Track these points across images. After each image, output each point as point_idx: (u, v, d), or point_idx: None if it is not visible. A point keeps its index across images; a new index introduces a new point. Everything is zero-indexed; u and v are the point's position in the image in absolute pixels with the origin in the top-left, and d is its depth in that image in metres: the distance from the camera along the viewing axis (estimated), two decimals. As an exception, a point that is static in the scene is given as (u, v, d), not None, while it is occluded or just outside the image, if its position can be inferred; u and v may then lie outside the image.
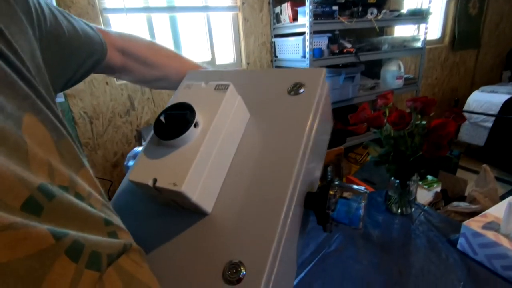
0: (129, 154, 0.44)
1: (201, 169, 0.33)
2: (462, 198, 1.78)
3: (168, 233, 0.36)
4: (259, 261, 0.31)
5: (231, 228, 0.34)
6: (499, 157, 2.49)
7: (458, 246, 0.77)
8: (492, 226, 0.72)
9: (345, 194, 0.37)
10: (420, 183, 2.06)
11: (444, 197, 1.80)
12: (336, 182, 0.38)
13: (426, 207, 0.95)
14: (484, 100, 2.68)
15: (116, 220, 0.29)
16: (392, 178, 0.92)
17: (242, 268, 0.31)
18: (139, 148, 0.49)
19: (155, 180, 0.32)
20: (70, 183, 0.24)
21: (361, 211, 0.36)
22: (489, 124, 2.55)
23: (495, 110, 2.52)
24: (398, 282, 0.68)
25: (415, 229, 0.86)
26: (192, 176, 0.32)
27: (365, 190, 0.38)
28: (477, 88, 2.95)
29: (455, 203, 1.53)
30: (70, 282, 0.20)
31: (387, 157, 0.87)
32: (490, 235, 0.69)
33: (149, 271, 0.31)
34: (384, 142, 0.85)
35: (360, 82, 2.06)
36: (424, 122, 0.83)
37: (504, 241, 0.67)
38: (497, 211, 0.78)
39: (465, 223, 0.74)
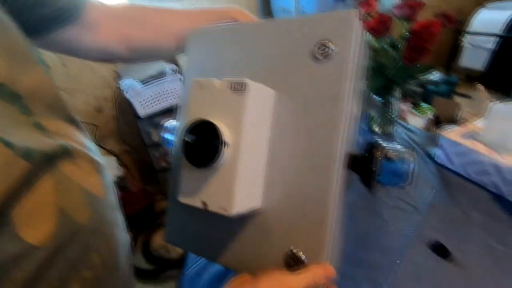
0: (166, 125, 0.42)
1: (244, 184, 0.34)
2: (455, 122, 1.75)
3: (229, 232, 0.39)
4: (316, 245, 0.35)
5: (284, 216, 0.36)
6: (499, 82, 2.39)
7: (436, 158, 0.76)
8: (471, 134, 0.70)
9: (390, 155, 0.36)
10: (414, 110, 2.02)
11: (437, 123, 1.77)
12: (380, 142, 0.37)
13: (408, 125, 0.92)
14: (488, 19, 2.47)
15: (67, 130, 0.33)
16: (374, 96, 0.87)
17: (301, 253, 0.35)
18: (174, 122, 0.47)
19: (204, 203, 0.33)
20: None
21: (407, 171, 0.35)
22: (491, 46, 2.39)
23: (498, 28, 2.34)
24: (371, 199, 0.68)
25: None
26: (237, 197, 0.33)
27: (411, 149, 0.38)
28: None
29: (445, 127, 1.50)
30: (3, 163, 0.23)
31: (367, 72, 0.81)
32: (468, 143, 0.67)
33: (94, 178, 0.33)
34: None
35: (353, 3, 1.87)
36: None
37: (481, 148, 0.65)
38: (479, 122, 0.75)
39: (443, 133, 0.72)
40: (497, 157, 0.61)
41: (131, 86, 1.35)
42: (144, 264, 1.45)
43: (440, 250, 0.52)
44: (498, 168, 0.61)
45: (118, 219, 0.38)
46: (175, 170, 0.44)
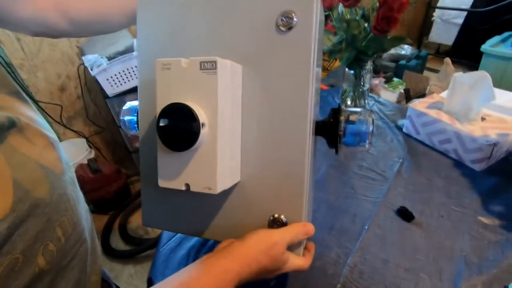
0: (124, 108, 0.39)
1: (224, 162, 0.34)
2: (424, 95, 1.83)
3: (212, 207, 0.41)
4: (296, 207, 0.37)
5: (262, 185, 0.38)
6: (466, 55, 2.48)
7: (404, 129, 0.78)
8: (436, 105, 0.72)
9: (352, 118, 0.39)
10: (386, 85, 2.07)
11: (407, 96, 1.83)
12: (341, 107, 0.40)
13: (379, 98, 0.94)
14: (459, -6, 2.52)
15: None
16: (347, 69, 0.88)
17: (282, 216, 0.38)
18: (133, 103, 0.43)
19: (187, 185, 0.34)
20: None
21: (368, 131, 0.38)
22: (461, 21, 2.46)
23: (467, 4, 2.40)
24: (342, 165, 0.70)
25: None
26: (220, 175, 0.33)
27: (369, 109, 0.41)
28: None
29: (414, 100, 1.56)
30: None
31: (340, 46, 0.81)
32: (433, 113, 0.70)
33: (49, 153, 0.32)
34: (337, 26, 0.78)
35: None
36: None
37: (445, 117, 0.68)
38: (444, 94, 0.78)
39: (411, 104, 0.74)
40: (458, 126, 0.64)
41: (96, 62, 1.27)
42: (122, 246, 1.44)
43: (405, 214, 0.55)
44: (459, 136, 0.64)
45: (79, 195, 0.38)
46: (144, 154, 0.43)
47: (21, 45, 1.38)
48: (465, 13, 2.40)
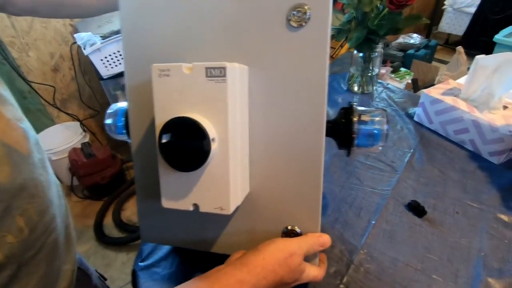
0: (109, 111, 0.34)
1: (236, 178, 0.30)
2: (432, 86, 1.76)
3: (219, 220, 0.37)
4: (312, 217, 0.34)
5: (273, 194, 0.35)
6: (476, 47, 2.39)
7: (415, 118, 0.73)
8: (452, 92, 0.66)
9: (363, 118, 0.36)
10: (393, 75, 2.00)
11: (415, 86, 1.76)
12: (354, 107, 0.37)
13: (389, 84, 0.88)
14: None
15: None
16: (355, 52, 0.81)
17: (296, 227, 0.35)
18: (120, 104, 0.38)
19: (196, 205, 0.30)
20: None
21: (383, 131, 0.36)
22: (473, 10, 2.36)
23: (482, -9, 2.29)
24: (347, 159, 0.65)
25: (375, 106, 0.81)
26: (233, 193, 0.30)
27: (382, 108, 0.37)
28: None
29: (423, 90, 1.49)
30: None
31: (349, 25, 0.74)
32: (449, 100, 0.64)
33: (14, 131, 0.28)
34: (346, 3, 0.71)
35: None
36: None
37: (462, 105, 0.62)
38: (462, 80, 0.72)
39: (425, 91, 0.68)
40: (477, 114, 0.59)
41: (89, 41, 1.20)
42: (116, 233, 1.40)
43: (416, 209, 0.50)
44: (477, 126, 0.58)
45: (50, 180, 0.33)
46: (139, 166, 0.38)
47: (12, 22, 1.31)
48: (478, 1, 2.30)
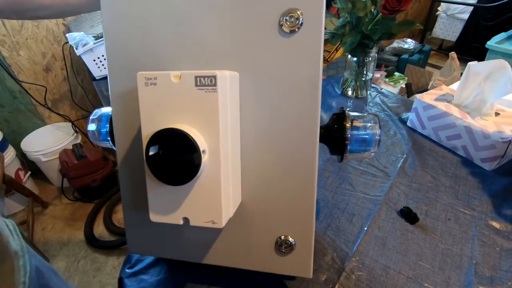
0: (92, 117, 0.33)
1: (227, 191, 0.29)
2: (426, 91, 1.77)
3: (210, 230, 0.36)
4: (305, 227, 0.33)
5: (265, 204, 0.34)
6: (469, 53, 2.43)
7: (408, 123, 0.73)
8: (445, 97, 0.67)
9: (356, 123, 0.36)
10: (387, 79, 2.01)
11: (409, 91, 1.78)
12: (346, 112, 0.37)
13: (382, 89, 0.88)
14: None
15: None
16: (349, 56, 0.81)
17: (289, 237, 0.34)
18: (104, 109, 0.36)
19: (186, 219, 0.29)
20: None
21: (375, 137, 0.36)
22: (466, 16, 2.39)
23: (474, -1, 2.33)
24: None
25: (368, 110, 0.81)
26: (225, 206, 0.29)
27: (374, 113, 0.37)
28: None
29: (416, 95, 1.50)
30: None
31: (344, 29, 0.74)
32: (442, 105, 0.64)
33: None
34: (341, 8, 0.71)
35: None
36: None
37: (454, 111, 0.62)
38: (455, 86, 0.72)
39: (418, 96, 0.68)
40: (470, 120, 0.59)
41: (81, 41, 1.19)
42: (107, 236, 1.38)
43: (408, 216, 0.49)
44: (469, 132, 0.58)
45: None
46: (125, 175, 0.37)
47: (2, 20, 1.29)
48: (471, 8, 2.33)
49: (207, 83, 0.26)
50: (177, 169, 0.26)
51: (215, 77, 0.25)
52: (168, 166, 0.26)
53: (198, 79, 0.26)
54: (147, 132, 0.27)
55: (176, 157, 0.26)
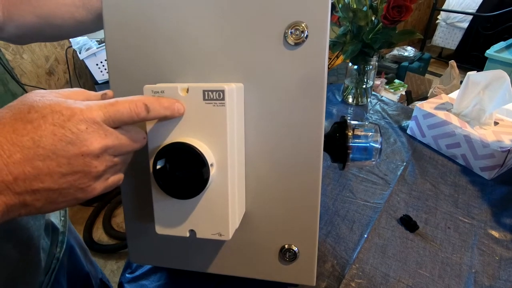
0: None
1: (234, 202, 0.30)
2: (426, 99, 1.78)
3: (216, 242, 0.36)
4: (309, 235, 0.34)
5: (269, 212, 0.34)
6: (468, 61, 2.45)
7: (408, 131, 0.73)
8: (445, 106, 0.67)
9: (357, 132, 0.37)
10: (387, 86, 2.02)
11: (408, 98, 1.79)
12: (348, 121, 0.37)
13: (383, 97, 0.89)
14: (465, -3, 2.48)
15: None
16: (350, 64, 0.82)
17: (293, 246, 0.34)
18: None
19: (192, 231, 0.29)
20: None
21: (376, 145, 0.36)
22: (465, 25, 2.42)
23: (474, 8, 2.36)
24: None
25: (369, 118, 0.81)
26: (231, 219, 0.29)
27: (375, 123, 0.38)
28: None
29: (417, 103, 1.51)
30: None
31: (345, 37, 0.75)
32: (441, 114, 0.65)
33: None
34: (342, 17, 0.72)
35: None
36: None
37: (454, 119, 0.63)
38: (454, 94, 0.73)
39: (418, 104, 0.69)
40: (469, 130, 0.59)
41: (85, 45, 1.20)
42: (106, 240, 1.38)
43: (408, 224, 0.50)
44: (469, 141, 0.59)
45: None
46: (127, 183, 0.36)
47: (7, 23, 1.30)
48: (470, 17, 2.36)
49: (215, 97, 0.26)
50: (185, 183, 0.26)
51: (223, 91, 0.26)
52: (176, 180, 0.27)
53: (206, 93, 0.26)
54: (153, 146, 0.27)
55: (184, 171, 0.26)
